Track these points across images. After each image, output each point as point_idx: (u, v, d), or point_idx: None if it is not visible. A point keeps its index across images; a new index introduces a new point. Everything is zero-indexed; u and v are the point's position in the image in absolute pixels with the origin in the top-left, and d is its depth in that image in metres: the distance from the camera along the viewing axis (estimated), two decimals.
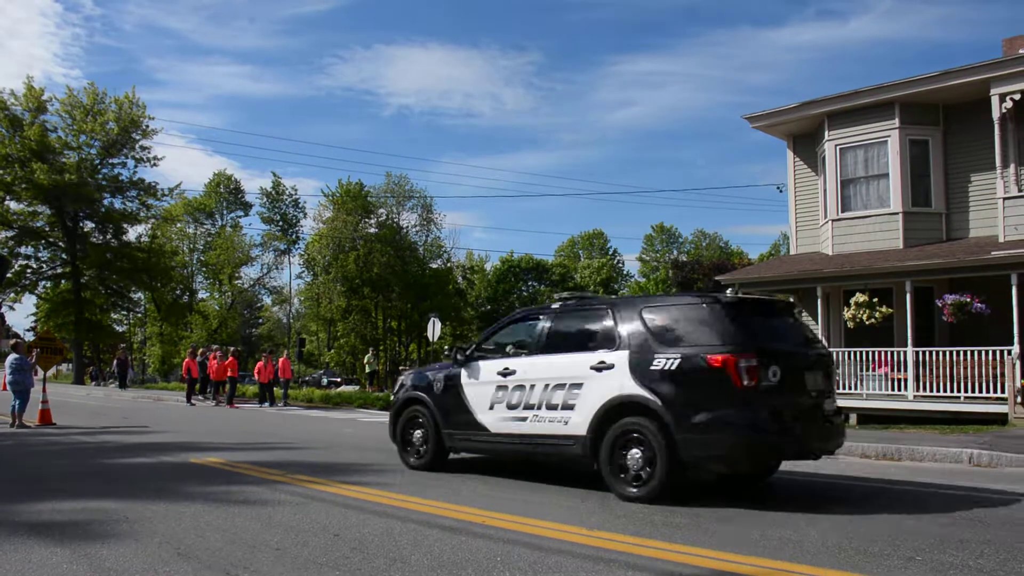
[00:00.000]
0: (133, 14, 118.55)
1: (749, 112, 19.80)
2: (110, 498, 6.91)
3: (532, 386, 8.19)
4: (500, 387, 8.53)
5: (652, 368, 7.17)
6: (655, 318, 7.55)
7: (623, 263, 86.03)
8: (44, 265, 47.03)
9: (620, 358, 7.47)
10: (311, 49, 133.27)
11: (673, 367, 7.07)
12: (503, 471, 8.88)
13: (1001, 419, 14.19)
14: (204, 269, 63.35)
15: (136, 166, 47.02)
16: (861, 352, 16.41)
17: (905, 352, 15.74)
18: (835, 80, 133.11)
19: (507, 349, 8.97)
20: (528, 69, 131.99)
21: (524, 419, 8.19)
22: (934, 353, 15.40)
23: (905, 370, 15.71)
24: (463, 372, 8.99)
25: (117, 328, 58.71)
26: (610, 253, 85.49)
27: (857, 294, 16.60)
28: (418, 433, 9.34)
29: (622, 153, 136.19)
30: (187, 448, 11.38)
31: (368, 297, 57.76)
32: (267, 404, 25.65)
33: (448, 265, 65.37)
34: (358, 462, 9.98)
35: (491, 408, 8.57)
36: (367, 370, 34.98)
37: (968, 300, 15.29)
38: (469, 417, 8.74)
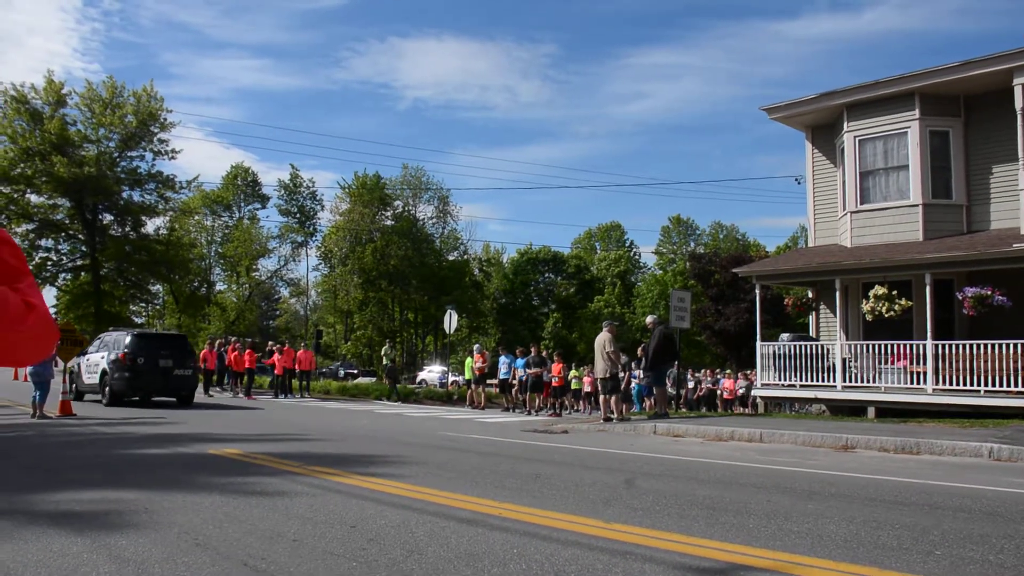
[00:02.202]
0: (150, 9, 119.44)
1: (765, 104, 19.66)
2: (129, 488, 6.98)
3: (92, 363, 20.12)
4: (88, 364, 20.39)
5: (110, 358, 19.16)
6: (119, 337, 19.92)
7: (640, 255, 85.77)
8: (64, 257, 47.50)
9: (107, 354, 19.44)
10: (326, 42, 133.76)
11: (114, 358, 19.04)
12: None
13: (1022, 413, 14.05)
14: (222, 261, 63.74)
15: (154, 159, 47.41)
16: (880, 345, 16.26)
17: (924, 345, 15.58)
18: (850, 72, 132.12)
19: (101, 346, 20.65)
20: (543, 61, 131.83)
21: (92, 375, 19.97)
22: (954, 346, 15.24)
23: (924, 363, 15.55)
24: (83, 357, 20.69)
25: (136, 320, 59.20)
26: (627, 245, 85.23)
27: (876, 287, 16.43)
28: (74, 385, 20.34)
29: (638, 145, 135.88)
30: (205, 439, 11.48)
31: (385, 290, 57.89)
32: (283, 396, 25.83)
33: (465, 257, 65.39)
34: (374, 453, 10.01)
35: (86, 372, 20.44)
36: (384, 362, 35.08)
37: (989, 293, 15.09)
38: (81, 376, 20.68)
